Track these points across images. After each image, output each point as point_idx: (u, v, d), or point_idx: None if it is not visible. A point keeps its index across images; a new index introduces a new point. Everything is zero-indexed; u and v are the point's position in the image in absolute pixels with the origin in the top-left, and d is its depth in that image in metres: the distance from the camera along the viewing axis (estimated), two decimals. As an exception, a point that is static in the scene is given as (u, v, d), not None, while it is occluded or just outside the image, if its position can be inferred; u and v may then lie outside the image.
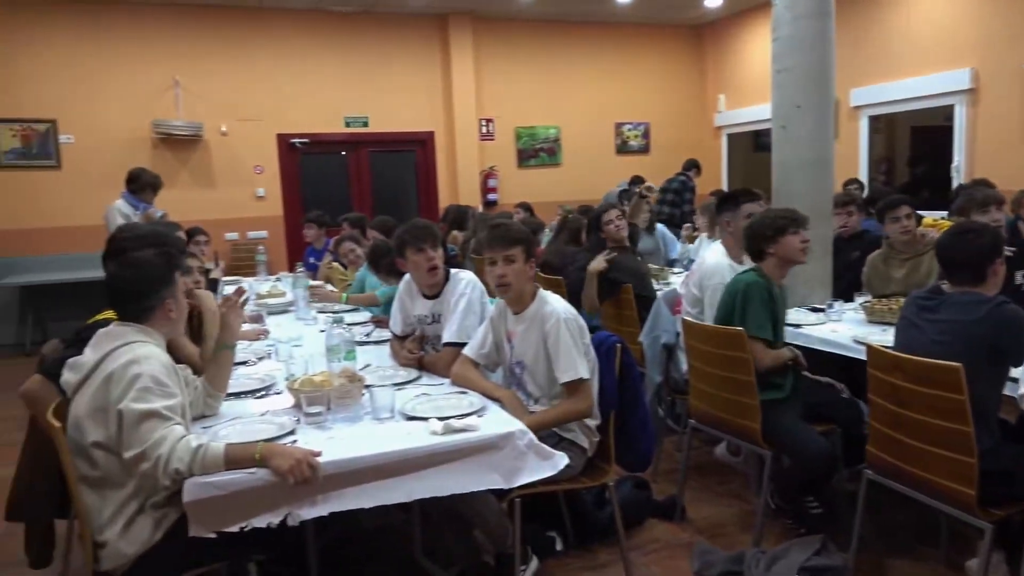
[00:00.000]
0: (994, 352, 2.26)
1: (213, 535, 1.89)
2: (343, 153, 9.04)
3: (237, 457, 1.90)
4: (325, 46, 8.59)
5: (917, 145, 8.93)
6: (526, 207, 7.60)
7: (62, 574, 2.79)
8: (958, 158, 7.06)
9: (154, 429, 1.88)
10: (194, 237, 4.73)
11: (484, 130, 9.43)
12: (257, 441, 1.98)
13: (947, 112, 7.17)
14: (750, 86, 9.53)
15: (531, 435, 2.21)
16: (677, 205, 8.01)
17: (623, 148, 10.18)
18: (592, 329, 2.66)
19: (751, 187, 3.82)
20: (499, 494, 2.37)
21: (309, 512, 1.97)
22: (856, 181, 7.22)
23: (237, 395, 2.57)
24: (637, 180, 8.91)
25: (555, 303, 2.57)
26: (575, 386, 2.48)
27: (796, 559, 2.61)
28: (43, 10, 7.51)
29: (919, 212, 4.30)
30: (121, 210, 5.66)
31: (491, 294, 3.03)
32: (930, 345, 2.32)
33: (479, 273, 3.14)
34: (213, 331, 2.63)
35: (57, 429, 1.96)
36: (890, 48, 7.61)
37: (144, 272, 2.11)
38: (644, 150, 10.27)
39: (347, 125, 8.84)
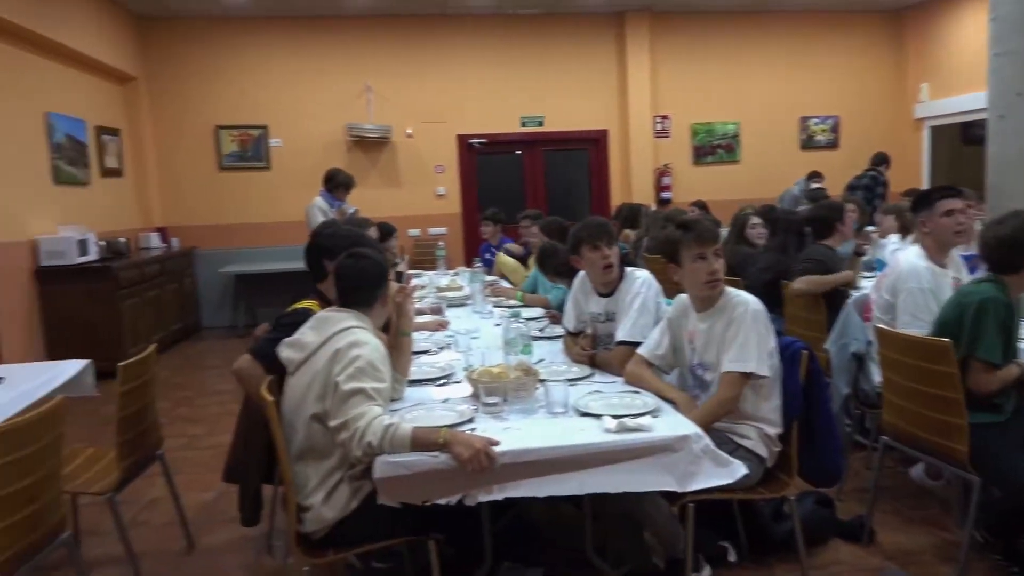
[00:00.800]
0: None
1: (398, 505, 2.04)
2: (518, 152, 9.27)
3: (422, 440, 2.02)
4: (505, 49, 8.85)
5: None
6: (701, 205, 7.39)
7: (268, 533, 3.11)
8: None
9: (358, 405, 2.07)
10: (389, 234, 5.03)
11: (659, 127, 9.28)
12: (440, 427, 2.10)
13: None
14: (959, 73, 8.62)
15: (707, 440, 2.15)
16: (868, 202, 7.43)
17: (809, 143, 9.59)
18: (775, 334, 2.54)
19: (958, 184, 3.46)
20: (671, 497, 2.33)
21: (485, 496, 2.07)
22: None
23: (420, 382, 2.73)
24: (814, 176, 8.39)
25: (744, 295, 2.51)
26: (734, 377, 2.38)
27: (1007, 600, 2.35)
28: (257, 28, 8.37)
29: None
30: (319, 207, 6.18)
31: (667, 294, 2.99)
32: None
33: (653, 273, 3.10)
34: (408, 320, 2.83)
35: (270, 403, 2.19)
36: None
37: (377, 267, 2.38)
38: (832, 145, 9.62)
39: (523, 125, 9.05)
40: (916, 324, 2.97)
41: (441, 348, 3.31)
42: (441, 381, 2.76)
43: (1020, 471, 2.44)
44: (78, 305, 6.09)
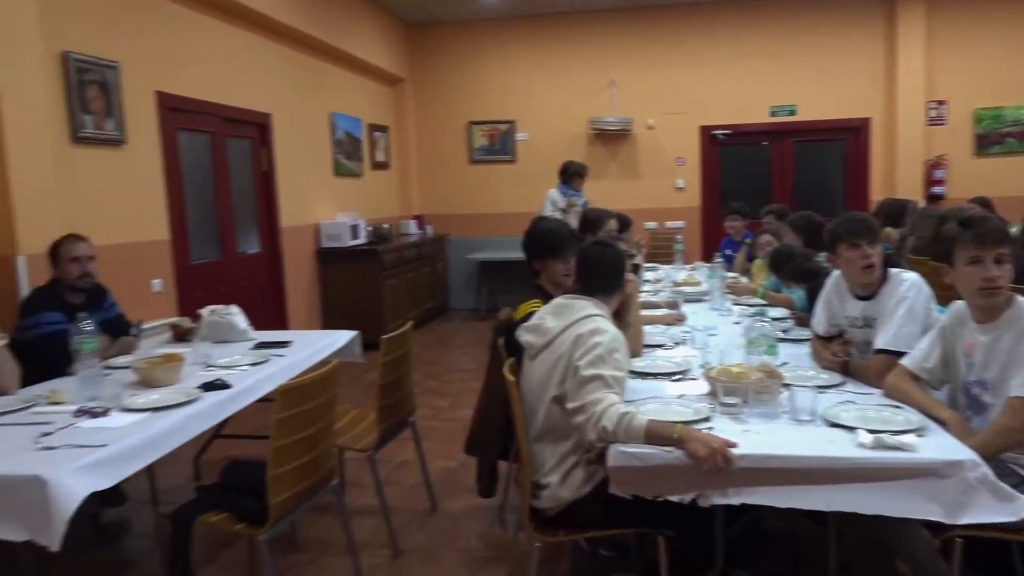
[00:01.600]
0: None
1: (629, 497, 2.04)
2: (765, 144, 8.78)
3: (657, 433, 2.01)
4: (753, 35, 8.42)
5: None
6: (982, 202, 6.46)
7: (501, 506, 3.30)
8: None
9: (596, 390, 2.12)
10: (626, 226, 5.05)
11: (933, 114, 8.25)
12: (676, 422, 2.07)
13: None
14: None
15: (985, 468, 1.89)
16: None
17: None
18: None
19: None
20: (934, 528, 2.08)
21: (720, 498, 2.00)
22: None
23: (654, 376, 2.70)
24: None
25: None
26: (1020, 404, 2.06)
27: None
28: (508, 28, 8.79)
29: None
30: (551, 198, 6.45)
31: (939, 301, 2.66)
32: None
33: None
34: (635, 313, 2.83)
35: (512, 383, 2.31)
36: None
37: (618, 257, 2.48)
38: None
39: (772, 115, 8.55)
40: None
41: (676, 343, 3.26)
42: (676, 376, 2.71)
43: None
44: (348, 283, 6.90)
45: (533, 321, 2.42)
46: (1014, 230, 5.33)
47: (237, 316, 3.59)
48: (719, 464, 1.92)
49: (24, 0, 3.58)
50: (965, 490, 1.89)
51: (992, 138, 8.25)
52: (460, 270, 9.16)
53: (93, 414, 2.37)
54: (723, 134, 8.65)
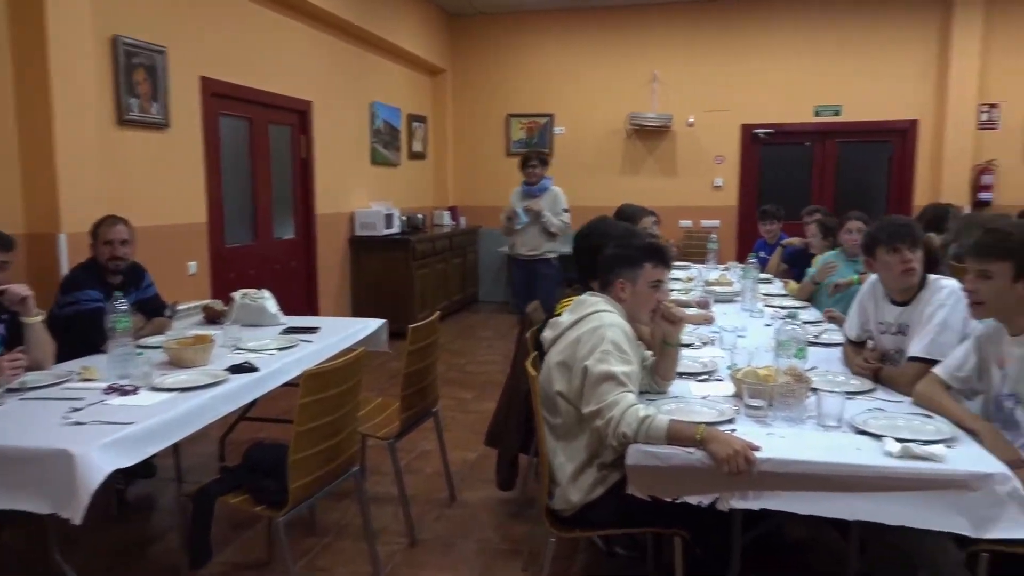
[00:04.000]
0: None
1: (647, 498, 2.01)
2: (807, 144, 8.61)
3: (679, 434, 1.98)
4: (799, 33, 8.24)
5: None
6: None
7: (519, 499, 3.29)
8: None
9: (610, 391, 2.08)
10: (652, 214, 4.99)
11: (984, 117, 8.00)
12: (699, 423, 2.04)
13: None
14: None
15: (1016, 482, 1.83)
16: None
17: None
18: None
19: None
20: (960, 542, 2.02)
21: (740, 502, 1.96)
22: None
23: (680, 375, 2.66)
24: None
25: None
26: None
27: None
28: (550, 20, 8.75)
29: None
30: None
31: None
32: None
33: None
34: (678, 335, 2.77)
35: (533, 377, 2.30)
36: None
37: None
38: None
39: (816, 115, 8.38)
40: None
41: (705, 343, 3.22)
42: (702, 377, 2.68)
43: None
44: (379, 271, 6.95)
45: (557, 318, 2.41)
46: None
47: (268, 300, 3.64)
48: (740, 466, 1.89)
49: (78, -15, 3.67)
50: (994, 503, 1.83)
51: (1046, 144, 7.97)
52: (490, 263, 9.15)
53: (123, 392, 2.42)
54: (765, 133, 8.51)
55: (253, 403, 3.08)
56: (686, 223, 8.69)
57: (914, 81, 8.10)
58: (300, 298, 6.17)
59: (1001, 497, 1.83)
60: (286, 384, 2.84)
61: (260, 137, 5.64)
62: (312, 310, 6.28)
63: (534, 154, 5.70)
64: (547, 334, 2.40)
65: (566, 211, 5.64)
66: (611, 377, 2.10)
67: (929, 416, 2.21)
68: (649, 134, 8.63)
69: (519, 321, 3.26)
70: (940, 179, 8.08)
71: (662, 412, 2.15)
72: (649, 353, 2.52)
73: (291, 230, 6.15)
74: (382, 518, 3.21)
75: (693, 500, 1.98)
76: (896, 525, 1.88)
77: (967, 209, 7.50)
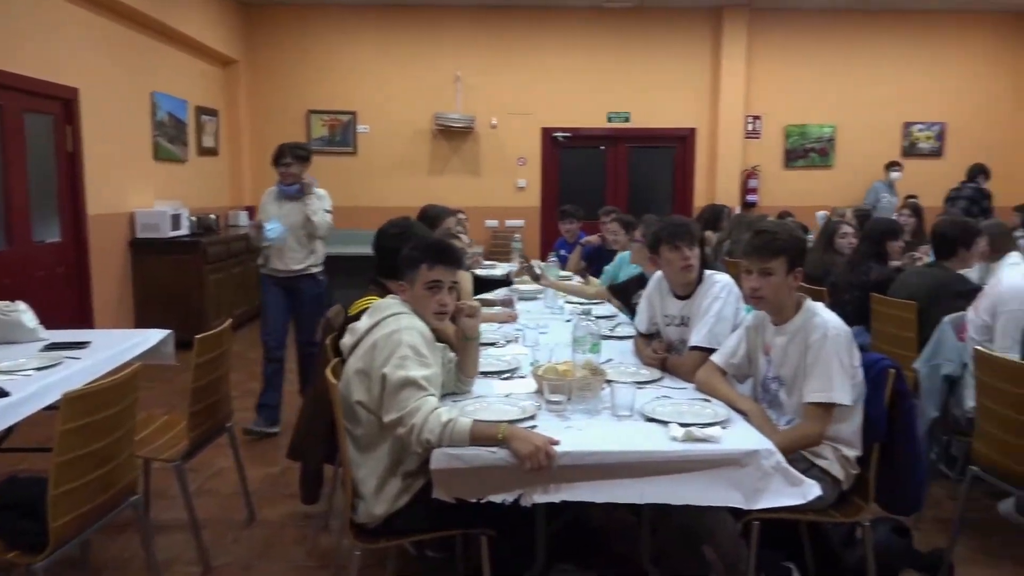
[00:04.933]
0: None
1: (453, 501, 2.00)
2: (602, 148, 9.14)
3: (481, 435, 1.99)
4: (595, 42, 8.74)
5: None
6: (914, 207, 7.10)
7: (326, 513, 3.16)
8: None
9: (411, 397, 2.03)
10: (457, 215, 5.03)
11: (750, 127, 8.97)
12: (501, 422, 2.05)
13: None
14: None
15: (779, 456, 2.04)
16: (971, 216, 6.98)
17: (911, 150, 9.08)
18: (860, 349, 2.39)
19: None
20: (736, 514, 2.22)
21: (541, 496, 2.01)
22: None
23: (484, 374, 2.69)
24: (894, 165, 8.57)
25: (825, 315, 2.35)
26: (819, 408, 2.25)
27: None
28: (353, 16, 8.55)
29: None
30: None
31: (748, 301, 2.85)
32: None
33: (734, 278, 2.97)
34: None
35: (333, 385, 2.20)
36: None
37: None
38: (935, 153, 9.09)
39: (609, 120, 8.92)
40: (1017, 348, 2.75)
41: (508, 341, 3.28)
42: (506, 375, 2.72)
43: None
44: (167, 277, 6.36)
45: (355, 323, 2.32)
46: (811, 237, 5.88)
47: (25, 313, 3.18)
48: (542, 462, 1.93)
49: None
50: (762, 477, 2.02)
51: (798, 152, 9.10)
52: (296, 265, 8.75)
53: None
54: (564, 136, 8.91)
55: (8, 432, 2.68)
56: (492, 223, 8.88)
57: (692, 93, 8.88)
58: (70, 309, 5.49)
59: (768, 471, 2.02)
60: (49, 408, 2.49)
61: (13, 126, 4.94)
62: (86, 322, 5.61)
63: (288, 148, 4.40)
64: (346, 340, 2.31)
65: (328, 212, 4.54)
66: (411, 383, 2.05)
67: (708, 400, 2.41)
68: (454, 134, 8.71)
69: (322, 325, 3.11)
70: (715, 182, 8.94)
71: (465, 413, 2.15)
72: (453, 355, 2.51)
73: (56, 232, 5.45)
74: (171, 547, 2.93)
75: (497, 499, 2.00)
76: (681, 505, 2.02)
77: (738, 210, 8.36)
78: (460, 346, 2.43)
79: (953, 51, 8.93)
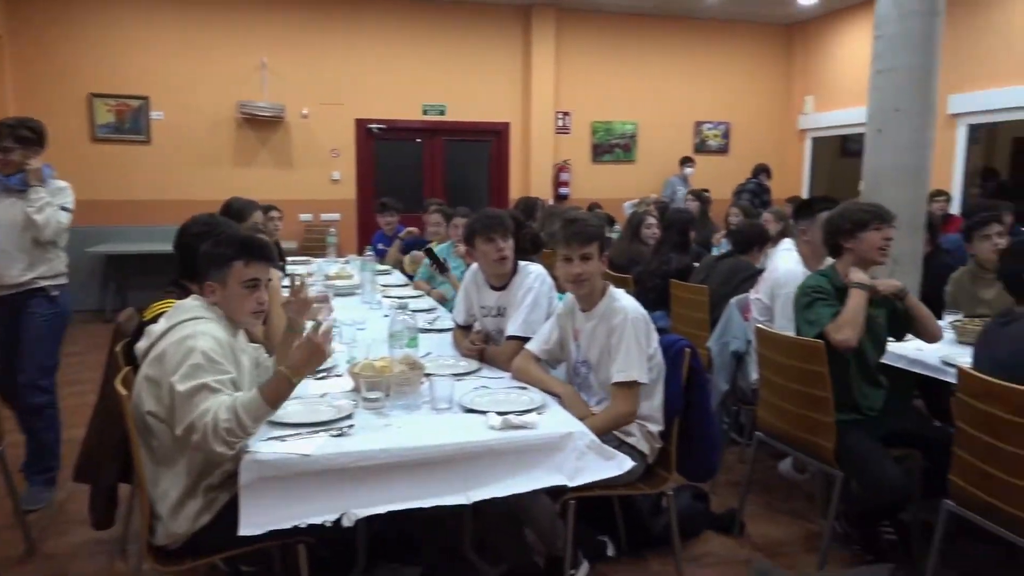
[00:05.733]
0: None
1: (264, 531, 1.87)
2: (418, 141, 9.11)
3: (274, 391, 1.88)
4: (410, 34, 8.66)
5: (1020, 157, 8.40)
6: (698, 195, 7.60)
7: (122, 537, 2.87)
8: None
9: (203, 401, 1.86)
10: (268, 212, 4.80)
11: (560, 123, 9.35)
12: (280, 368, 1.93)
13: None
14: (841, 88, 9.14)
15: (592, 435, 2.14)
16: (753, 207, 7.80)
17: (701, 147, 9.92)
18: (660, 331, 2.57)
19: (835, 194, 3.65)
20: (553, 494, 2.31)
21: (366, 510, 1.93)
22: (943, 193, 6.84)
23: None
24: (687, 161, 9.32)
25: (625, 301, 2.50)
26: (624, 388, 2.39)
27: (863, 588, 2.47)
28: (142, -10, 7.81)
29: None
30: None
31: (559, 289, 2.97)
32: (995, 368, 2.19)
33: (546, 267, 3.08)
34: (277, 309, 2.64)
35: (124, 396, 2.00)
36: (995, 53, 7.15)
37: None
38: (723, 150, 10.00)
39: (425, 113, 8.90)
40: (791, 326, 3.09)
41: (324, 339, 3.16)
42: (321, 374, 2.62)
43: (877, 468, 2.57)
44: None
45: (152, 325, 2.12)
46: (617, 228, 6.27)
47: None
48: (323, 347, 1.91)
49: None
50: (579, 456, 2.12)
51: (604, 148, 9.63)
52: (80, 264, 7.84)
53: None
54: (378, 128, 8.76)
55: None
56: (306, 217, 8.55)
57: (505, 87, 9.09)
58: None
59: (583, 450, 2.12)
60: None
61: None
62: None
63: (7, 129, 3.25)
64: (141, 344, 2.09)
65: (65, 209, 3.41)
66: (203, 387, 1.88)
67: (525, 388, 2.48)
68: (262, 124, 8.27)
69: (113, 330, 2.82)
70: (529, 176, 9.22)
71: (278, 416, 2.04)
72: (268, 356, 2.38)
73: None
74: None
75: (317, 519, 1.90)
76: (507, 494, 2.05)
77: (551, 202, 8.69)
78: (285, 339, 2.30)
79: (735, 57, 9.87)
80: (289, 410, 2.17)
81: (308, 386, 2.47)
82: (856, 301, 2.63)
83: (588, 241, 2.45)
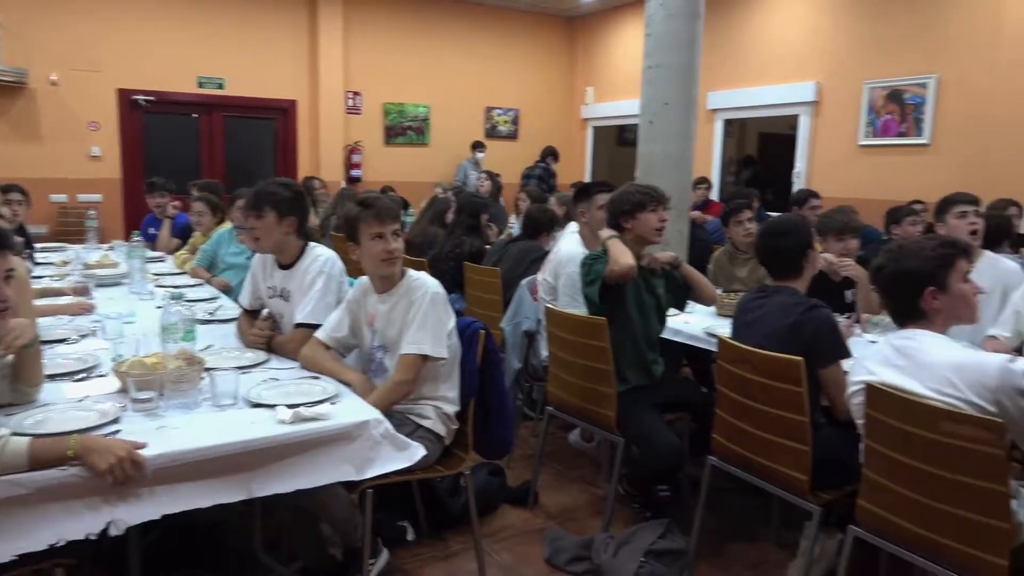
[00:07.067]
0: (805, 352, 2.31)
1: (13, 557, 1.63)
2: (195, 116, 8.40)
3: (45, 453, 1.65)
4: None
5: (765, 150, 9.57)
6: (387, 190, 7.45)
7: None
8: (800, 164, 7.61)
9: None
10: (7, 193, 4.17)
11: (351, 103, 9.08)
12: (71, 432, 1.74)
13: (792, 121, 7.70)
14: (618, 81, 9.78)
15: (387, 424, 2.10)
16: (541, 191, 8.15)
17: (492, 132, 10.16)
18: (456, 314, 2.59)
19: (614, 180, 3.91)
20: (349, 485, 2.25)
21: (136, 516, 1.75)
22: (705, 180, 7.61)
23: (52, 377, 2.26)
24: (478, 145, 9.43)
25: (424, 278, 2.50)
26: (408, 359, 2.38)
27: (642, 543, 2.68)
28: None
29: (769, 212, 4.58)
30: None
31: (350, 274, 2.88)
32: (755, 337, 2.47)
33: (339, 252, 2.96)
34: (26, 307, 2.31)
35: None
36: (745, 56, 8.05)
37: None
38: (513, 136, 10.31)
39: (200, 86, 8.22)
40: (575, 304, 3.27)
41: (83, 336, 2.82)
42: (80, 376, 2.33)
43: (651, 433, 2.80)
44: None
45: None
46: (412, 211, 6.24)
47: None
48: (127, 472, 1.69)
49: None
50: (372, 446, 2.07)
51: (397, 130, 9.53)
52: None
53: None
54: (146, 100, 7.95)
55: None
56: (60, 198, 7.57)
57: (291, 64, 8.65)
58: None
59: (377, 439, 2.07)
60: None
61: None
62: None
63: None
64: None
65: None
66: None
67: (317, 377, 2.38)
68: (-1, 90, 7.17)
69: None
70: (319, 157, 8.88)
71: (25, 427, 1.79)
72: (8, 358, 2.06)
73: None
74: None
75: (80, 535, 1.68)
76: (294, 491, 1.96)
77: (343, 184, 8.44)
78: (18, 356, 2.00)
79: (523, 45, 10.20)
80: (40, 418, 1.91)
81: (65, 389, 2.19)
82: (616, 246, 2.85)
83: (396, 217, 2.47)
